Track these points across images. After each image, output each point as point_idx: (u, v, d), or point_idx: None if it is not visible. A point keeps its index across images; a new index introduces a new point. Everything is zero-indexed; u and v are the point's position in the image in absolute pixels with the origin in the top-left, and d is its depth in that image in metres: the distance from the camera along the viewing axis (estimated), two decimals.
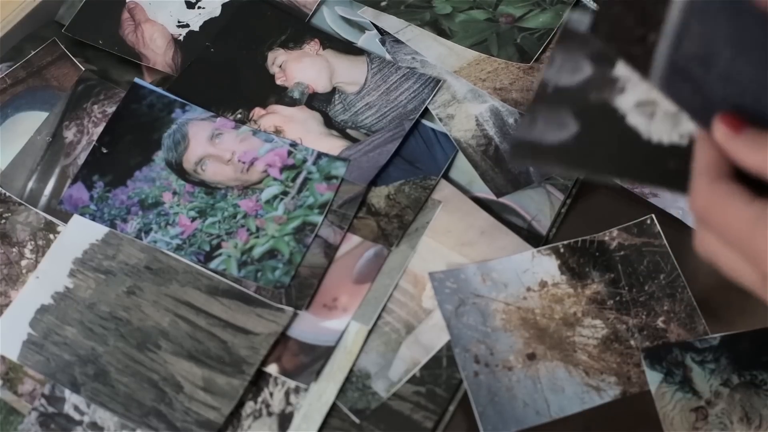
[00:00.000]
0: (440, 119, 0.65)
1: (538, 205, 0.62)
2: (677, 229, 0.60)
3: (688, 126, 0.39)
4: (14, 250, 0.62)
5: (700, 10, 0.35)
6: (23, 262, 0.62)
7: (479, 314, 0.57)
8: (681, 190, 0.38)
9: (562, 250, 0.59)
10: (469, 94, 0.66)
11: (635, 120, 0.40)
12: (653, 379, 0.55)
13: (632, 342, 0.56)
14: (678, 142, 0.39)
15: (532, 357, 0.56)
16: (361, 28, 0.71)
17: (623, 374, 0.56)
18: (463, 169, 0.64)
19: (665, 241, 0.59)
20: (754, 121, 0.35)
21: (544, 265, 0.59)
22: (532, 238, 0.61)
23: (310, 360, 0.56)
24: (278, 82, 0.68)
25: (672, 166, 0.39)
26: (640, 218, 0.60)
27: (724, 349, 0.55)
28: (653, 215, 0.60)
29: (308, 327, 0.58)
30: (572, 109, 0.41)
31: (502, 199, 0.62)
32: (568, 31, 0.42)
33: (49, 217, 0.63)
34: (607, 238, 0.60)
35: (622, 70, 0.40)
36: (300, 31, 0.70)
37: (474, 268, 0.59)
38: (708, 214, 0.36)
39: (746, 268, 0.36)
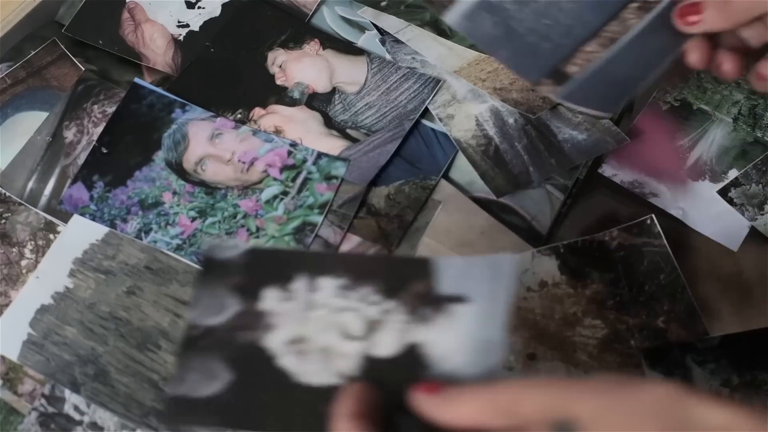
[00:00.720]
0: (440, 119, 0.65)
1: (538, 205, 0.62)
2: (677, 229, 0.60)
3: (339, 363, 0.37)
4: (14, 250, 0.62)
5: None
6: (23, 262, 0.62)
7: None
8: None
9: (562, 250, 0.59)
10: (469, 94, 0.66)
11: (286, 361, 0.37)
12: None
13: (632, 342, 0.56)
14: (327, 383, 0.37)
15: (532, 357, 0.56)
16: (361, 28, 0.71)
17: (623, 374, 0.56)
18: (463, 169, 0.64)
19: (665, 241, 0.59)
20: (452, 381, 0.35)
21: (544, 265, 0.59)
22: (532, 238, 0.61)
23: None
24: (278, 82, 0.68)
25: (323, 408, 0.36)
26: (640, 218, 0.60)
27: (724, 349, 0.55)
28: (653, 215, 0.60)
29: None
30: (223, 354, 0.38)
31: (502, 199, 0.62)
32: (209, 261, 0.38)
33: (49, 217, 0.63)
34: (607, 238, 0.60)
35: (268, 303, 0.38)
36: (300, 31, 0.70)
37: None
38: None
39: None
